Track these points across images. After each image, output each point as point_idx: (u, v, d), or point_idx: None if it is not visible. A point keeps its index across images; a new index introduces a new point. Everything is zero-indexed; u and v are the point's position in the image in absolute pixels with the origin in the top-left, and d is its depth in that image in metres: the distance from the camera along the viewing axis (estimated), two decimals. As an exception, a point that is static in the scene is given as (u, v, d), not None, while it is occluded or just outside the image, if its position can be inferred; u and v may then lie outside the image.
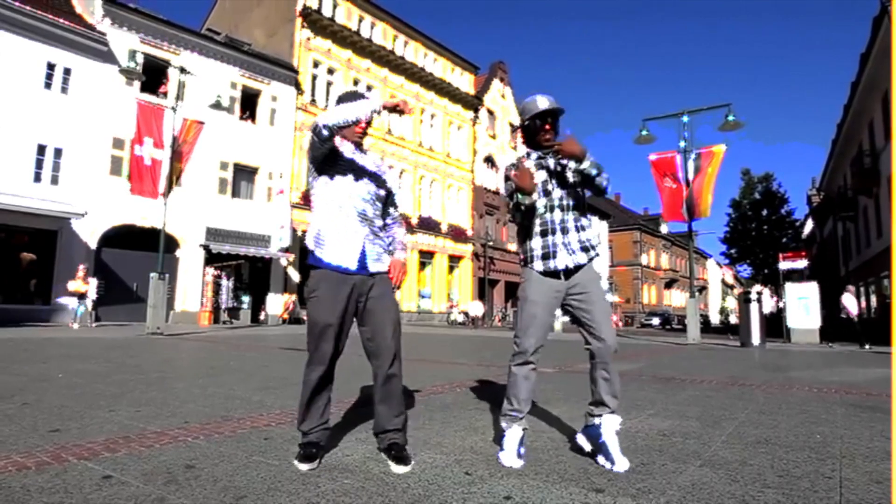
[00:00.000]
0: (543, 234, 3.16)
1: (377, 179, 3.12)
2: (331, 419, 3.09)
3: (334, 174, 3.02)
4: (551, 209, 3.17)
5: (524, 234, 3.27)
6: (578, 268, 3.10)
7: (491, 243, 39.31)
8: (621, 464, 2.84)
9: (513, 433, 3.02)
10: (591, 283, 3.09)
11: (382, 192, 3.15)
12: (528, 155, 3.31)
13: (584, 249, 3.12)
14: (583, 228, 3.18)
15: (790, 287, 17.87)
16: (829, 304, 22.51)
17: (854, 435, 3.82)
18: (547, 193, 3.16)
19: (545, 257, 3.13)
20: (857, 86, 26.12)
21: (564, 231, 3.13)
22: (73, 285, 17.42)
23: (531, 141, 3.29)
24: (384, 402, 2.96)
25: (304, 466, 2.79)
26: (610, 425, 2.94)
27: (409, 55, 35.91)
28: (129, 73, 15.90)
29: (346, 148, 3.10)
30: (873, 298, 27.62)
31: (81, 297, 17.46)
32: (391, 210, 3.25)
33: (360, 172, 3.06)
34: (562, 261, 3.09)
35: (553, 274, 3.11)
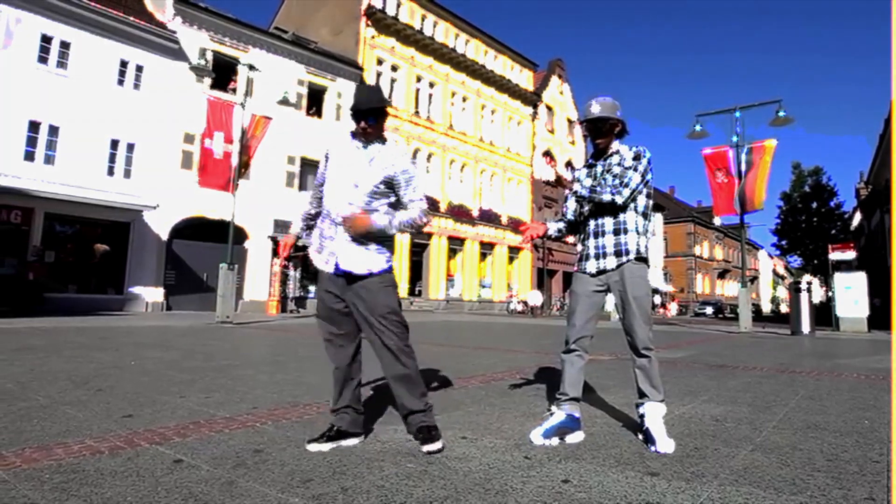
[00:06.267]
0: (583, 238, 3.41)
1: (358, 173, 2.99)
2: (389, 406, 3.24)
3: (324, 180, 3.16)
4: (592, 214, 3.35)
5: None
6: (608, 270, 3.26)
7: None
8: (663, 445, 2.94)
9: (553, 416, 3.24)
10: (625, 284, 3.21)
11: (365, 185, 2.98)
12: (572, 169, 3.43)
13: (618, 254, 3.23)
14: (625, 231, 3.25)
15: (839, 277, 17.55)
16: (879, 294, 21.66)
17: (899, 419, 3.78)
18: (591, 199, 3.29)
19: (580, 259, 3.41)
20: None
21: (599, 235, 3.30)
22: None
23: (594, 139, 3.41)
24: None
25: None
26: (652, 413, 3.12)
27: (470, 53, 36.14)
28: (200, 71, 16.35)
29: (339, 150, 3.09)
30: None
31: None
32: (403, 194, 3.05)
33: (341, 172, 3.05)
34: (591, 265, 3.31)
35: (589, 273, 3.34)
